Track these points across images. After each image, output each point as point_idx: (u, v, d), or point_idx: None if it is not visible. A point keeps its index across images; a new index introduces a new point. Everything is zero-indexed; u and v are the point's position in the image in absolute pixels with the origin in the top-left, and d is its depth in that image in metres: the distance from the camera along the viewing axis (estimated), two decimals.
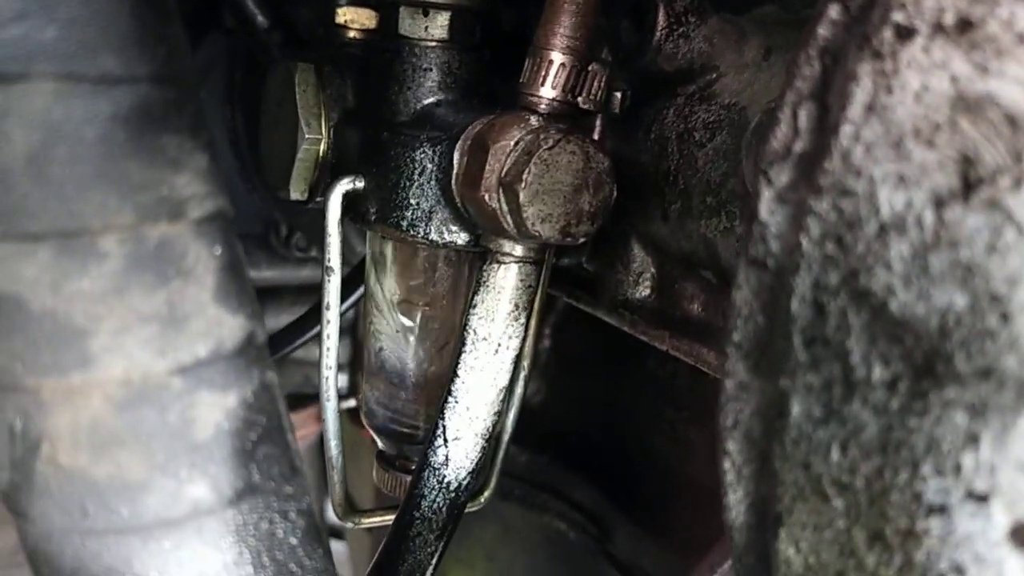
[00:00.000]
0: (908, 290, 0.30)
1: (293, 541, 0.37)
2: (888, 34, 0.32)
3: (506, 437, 0.70)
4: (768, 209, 0.35)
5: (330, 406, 0.66)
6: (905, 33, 0.32)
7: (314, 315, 0.85)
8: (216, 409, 0.35)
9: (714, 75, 0.62)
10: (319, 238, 1.07)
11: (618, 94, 0.60)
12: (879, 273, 0.31)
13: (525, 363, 0.67)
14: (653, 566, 0.96)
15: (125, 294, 0.33)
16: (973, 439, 0.29)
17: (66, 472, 0.34)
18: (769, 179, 0.35)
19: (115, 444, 0.34)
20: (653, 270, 0.66)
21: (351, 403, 1.13)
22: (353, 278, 0.78)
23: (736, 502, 0.38)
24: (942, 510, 0.30)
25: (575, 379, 1.05)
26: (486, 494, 0.71)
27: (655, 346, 0.64)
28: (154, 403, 0.34)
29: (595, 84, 0.58)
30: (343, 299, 0.74)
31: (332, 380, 0.65)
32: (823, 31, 0.35)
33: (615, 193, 0.58)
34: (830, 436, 0.33)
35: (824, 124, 0.34)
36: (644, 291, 0.67)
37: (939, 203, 0.30)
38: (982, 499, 0.29)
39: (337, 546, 1.43)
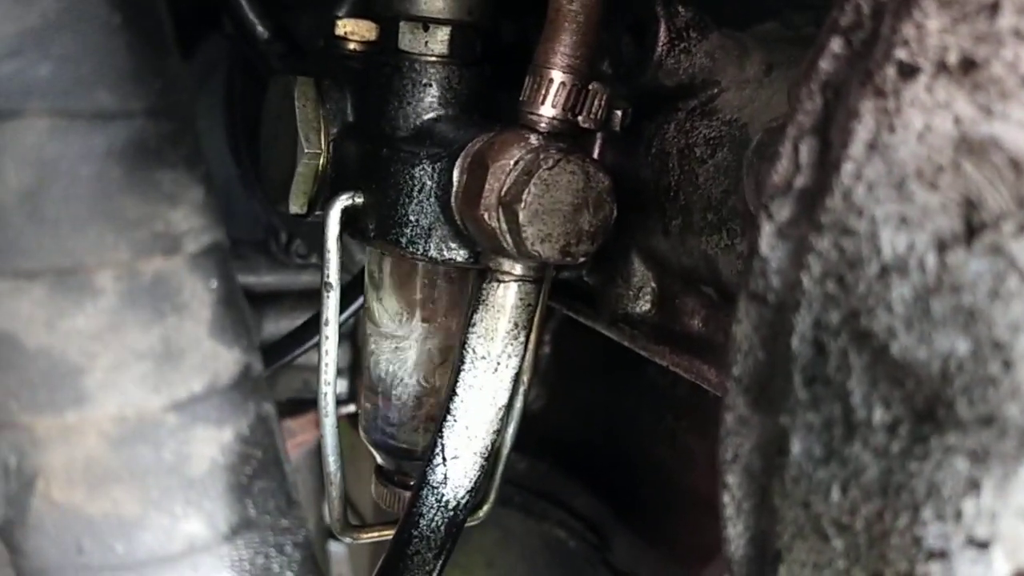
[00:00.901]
0: (910, 333, 0.30)
1: (289, 575, 0.37)
2: (891, 71, 0.32)
3: (505, 451, 0.70)
4: (769, 244, 0.35)
5: (328, 422, 0.65)
6: (908, 71, 0.31)
7: (313, 324, 0.84)
8: (211, 444, 0.35)
9: (715, 90, 0.62)
10: (319, 245, 1.07)
11: (619, 112, 0.60)
12: (880, 315, 0.31)
13: (524, 378, 0.67)
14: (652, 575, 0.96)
15: (120, 330, 0.33)
16: (974, 485, 0.29)
17: (61, 509, 0.34)
18: (770, 213, 0.35)
19: (110, 481, 0.33)
20: (654, 285, 0.66)
21: (351, 408, 1.12)
22: (353, 287, 0.78)
23: (736, 535, 0.38)
24: (942, 555, 0.30)
25: (576, 386, 1.05)
26: (485, 508, 0.71)
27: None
28: (149, 439, 0.34)
29: (596, 103, 0.57)
30: (343, 308, 0.74)
31: (331, 396, 0.65)
32: (825, 65, 0.35)
33: (615, 212, 0.58)
34: (830, 476, 0.33)
35: (826, 160, 0.33)
36: (644, 306, 0.67)
37: (942, 246, 0.30)
38: (983, 546, 0.29)
39: (337, 547, 1.43)
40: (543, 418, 1.05)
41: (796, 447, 0.34)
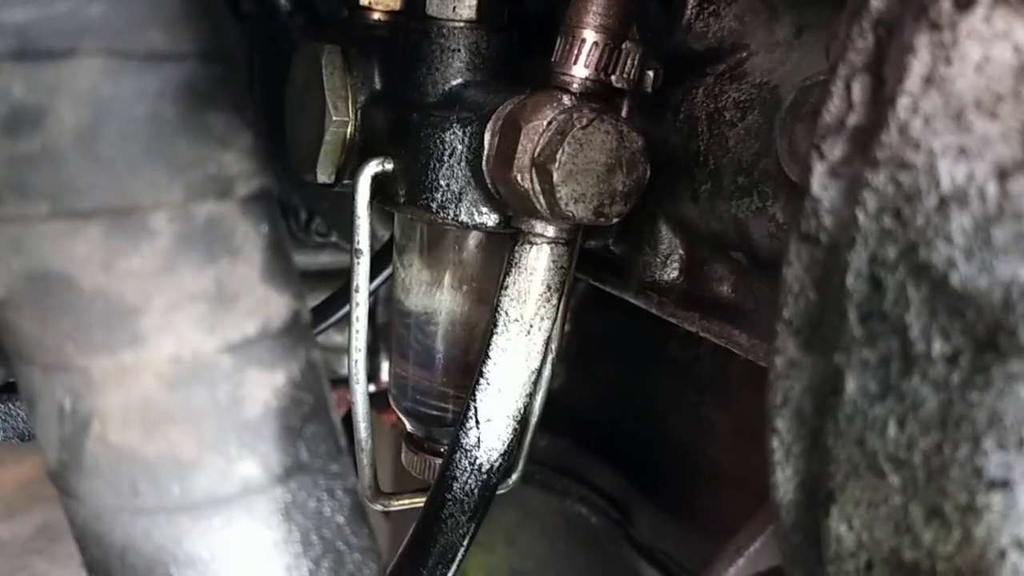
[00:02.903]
0: (970, 263, 0.30)
1: (340, 519, 0.37)
2: (946, 4, 0.31)
3: (534, 420, 0.70)
4: (821, 183, 0.35)
5: (359, 388, 0.65)
6: (964, 3, 0.31)
7: (337, 299, 0.85)
8: (264, 387, 0.35)
9: (744, 54, 0.62)
10: (339, 223, 1.07)
11: (650, 73, 0.60)
12: (939, 246, 0.31)
13: (553, 345, 0.67)
14: (676, 549, 0.96)
15: (175, 272, 0.33)
16: None
17: (116, 450, 0.34)
18: (822, 153, 0.35)
19: (166, 422, 0.34)
20: (682, 252, 0.66)
21: (370, 387, 1.12)
22: (380, 258, 0.78)
23: (784, 480, 0.38)
24: (1004, 485, 0.30)
25: (596, 362, 1.05)
26: (514, 476, 0.71)
27: (680, 329, 0.64)
28: (204, 381, 0.34)
29: (628, 63, 0.57)
30: (372, 278, 0.73)
31: (361, 363, 0.65)
32: (876, 2, 0.35)
33: (648, 173, 0.58)
34: (887, 412, 0.32)
35: (880, 96, 0.33)
36: (672, 273, 0.67)
37: (1002, 175, 0.29)
38: None
39: None
40: (564, 395, 1.05)
41: (851, 385, 0.34)
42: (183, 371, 0.34)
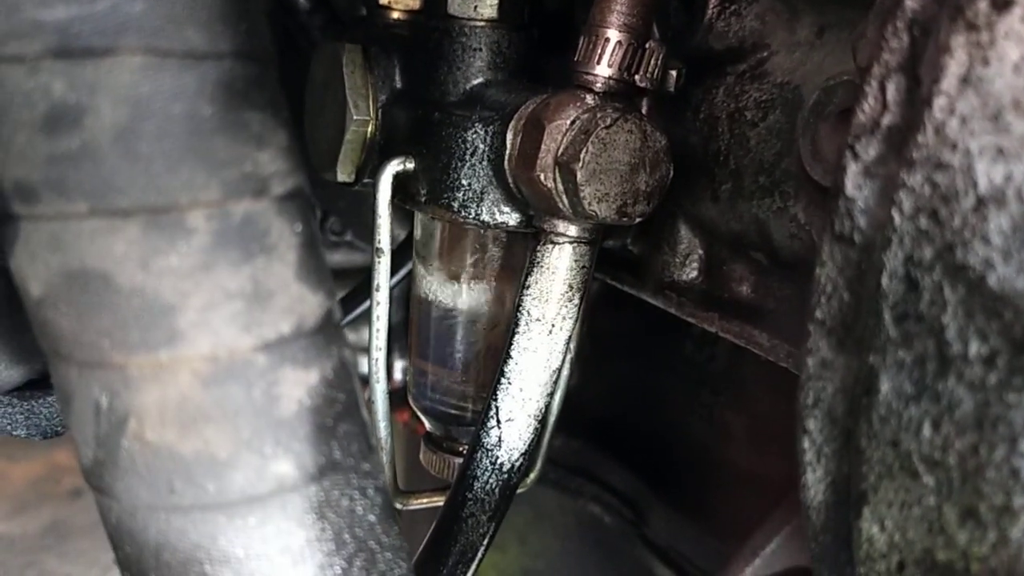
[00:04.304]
0: (1008, 264, 0.30)
1: (372, 518, 0.37)
2: (983, 5, 0.31)
3: (552, 419, 0.70)
4: (855, 183, 0.35)
5: (380, 388, 0.66)
6: (1002, 3, 0.31)
7: (352, 298, 0.85)
8: (299, 386, 0.35)
9: (765, 53, 0.62)
10: (354, 221, 1.07)
11: (673, 72, 0.60)
12: (977, 247, 0.31)
13: (571, 345, 0.67)
14: (691, 550, 0.96)
15: (212, 270, 0.33)
16: None
17: (153, 448, 0.34)
18: (856, 153, 0.35)
19: (202, 420, 0.34)
20: (701, 252, 0.66)
21: None
22: (400, 253, 0.78)
23: (815, 481, 0.38)
24: None
25: (610, 362, 1.05)
26: (532, 475, 0.71)
27: (695, 328, 0.64)
28: (240, 379, 0.34)
29: (652, 62, 0.57)
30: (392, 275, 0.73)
31: (382, 361, 0.65)
32: (911, 3, 0.35)
33: (672, 173, 0.58)
34: (922, 413, 0.32)
35: (915, 97, 0.33)
36: (691, 273, 0.67)
37: None
38: None
39: None
40: (578, 394, 1.05)
41: (885, 386, 0.34)
42: (219, 369, 0.34)
